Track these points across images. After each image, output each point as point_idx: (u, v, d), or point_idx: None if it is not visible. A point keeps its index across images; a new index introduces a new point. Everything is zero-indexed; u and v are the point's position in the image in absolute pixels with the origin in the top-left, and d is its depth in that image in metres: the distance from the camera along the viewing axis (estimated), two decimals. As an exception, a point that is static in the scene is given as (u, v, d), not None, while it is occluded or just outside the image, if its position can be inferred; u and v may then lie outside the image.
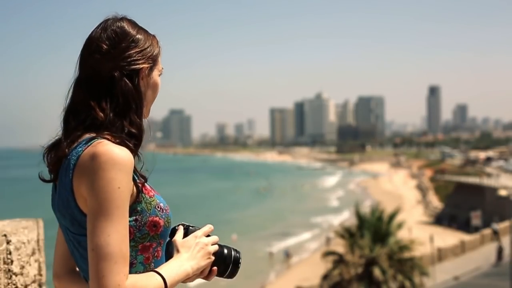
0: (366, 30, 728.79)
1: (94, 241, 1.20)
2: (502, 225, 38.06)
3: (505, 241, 32.41)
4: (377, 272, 20.58)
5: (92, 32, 1.40)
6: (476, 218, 42.91)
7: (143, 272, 1.33)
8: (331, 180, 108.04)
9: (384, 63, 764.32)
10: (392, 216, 23.08)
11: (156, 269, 1.31)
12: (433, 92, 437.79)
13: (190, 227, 1.46)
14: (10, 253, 2.12)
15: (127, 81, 1.36)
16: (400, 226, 23.18)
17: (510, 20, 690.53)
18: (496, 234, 37.02)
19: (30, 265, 2.26)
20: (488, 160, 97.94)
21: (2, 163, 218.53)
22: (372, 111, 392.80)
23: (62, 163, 1.33)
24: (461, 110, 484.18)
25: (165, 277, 1.29)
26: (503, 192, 46.65)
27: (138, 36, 1.41)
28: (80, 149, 1.29)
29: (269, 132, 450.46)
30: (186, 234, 1.44)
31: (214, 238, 1.45)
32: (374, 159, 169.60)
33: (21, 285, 2.19)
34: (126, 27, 1.40)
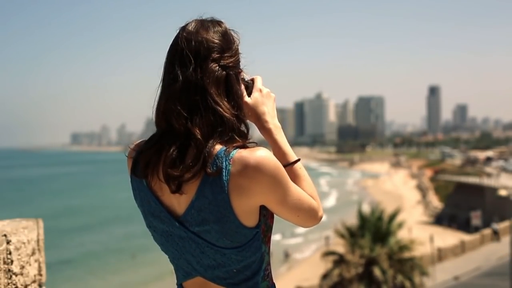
0: (366, 30, 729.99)
1: (298, 210, 1.40)
2: (502, 225, 38.09)
3: (505, 241, 32.43)
4: (377, 272, 20.59)
5: (197, 31, 1.40)
6: (476, 218, 42.91)
7: (268, 261, 1.44)
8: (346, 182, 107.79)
9: (384, 63, 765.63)
10: (393, 216, 23.09)
11: (289, 157, 1.48)
12: (433, 92, 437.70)
13: (247, 81, 1.53)
14: (10, 253, 2.12)
15: (238, 82, 1.43)
16: (400, 226, 23.19)
17: (510, 20, 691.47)
18: (496, 234, 37.05)
19: (30, 265, 2.26)
20: (488, 160, 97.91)
21: (2, 163, 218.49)
22: (372, 111, 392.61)
23: (198, 177, 1.31)
24: (461, 110, 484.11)
25: (297, 157, 1.49)
26: (503, 192, 46.66)
27: (237, 42, 1.47)
28: (225, 163, 1.29)
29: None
30: (246, 90, 1.52)
31: (261, 79, 1.56)
32: (374, 159, 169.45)
33: (21, 285, 2.18)
34: (229, 31, 1.45)
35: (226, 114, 1.34)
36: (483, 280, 27.00)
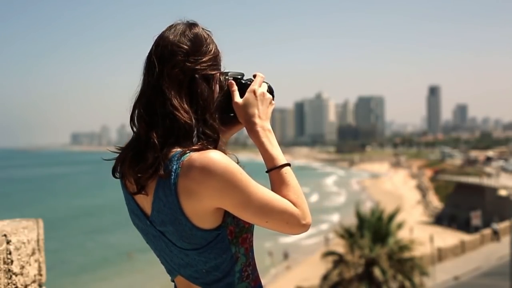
0: (366, 30, 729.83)
1: (266, 215, 1.34)
2: (502, 225, 38.11)
3: (505, 241, 32.43)
4: (377, 272, 20.58)
5: (166, 35, 1.41)
6: (476, 218, 42.93)
7: (246, 263, 1.41)
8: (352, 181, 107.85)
9: (384, 63, 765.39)
10: (392, 216, 23.08)
11: (275, 161, 1.43)
12: (433, 92, 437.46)
13: (242, 82, 1.51)
14: (10, 253, 2.12)
15: (206, 85, 1.40)
16: (400, 226, 23.18)
17: (510, 20, 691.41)
18: (496, 234, 37.06)
19: (30, 265, 2.26)
20: (488, 160, 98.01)
21: (2, 163, 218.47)
22: (372, 111, 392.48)
23: (154, 179, 1.34)
24: (461, 110, 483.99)
25: (286, 161, 1.44)
26: (503, 192, 46.68)
27: (211, 43, 1.45)
28: (175, 166, 1.30)
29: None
30: (241, 90, 1.49)
31: (261, 78, 1.52)
32: (374, 159, 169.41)
33: (21, 285, 2.19)
34: (202, 33, 1.45)
35: (183, 118, 1.34)
36: (483, 280, 27.01)
